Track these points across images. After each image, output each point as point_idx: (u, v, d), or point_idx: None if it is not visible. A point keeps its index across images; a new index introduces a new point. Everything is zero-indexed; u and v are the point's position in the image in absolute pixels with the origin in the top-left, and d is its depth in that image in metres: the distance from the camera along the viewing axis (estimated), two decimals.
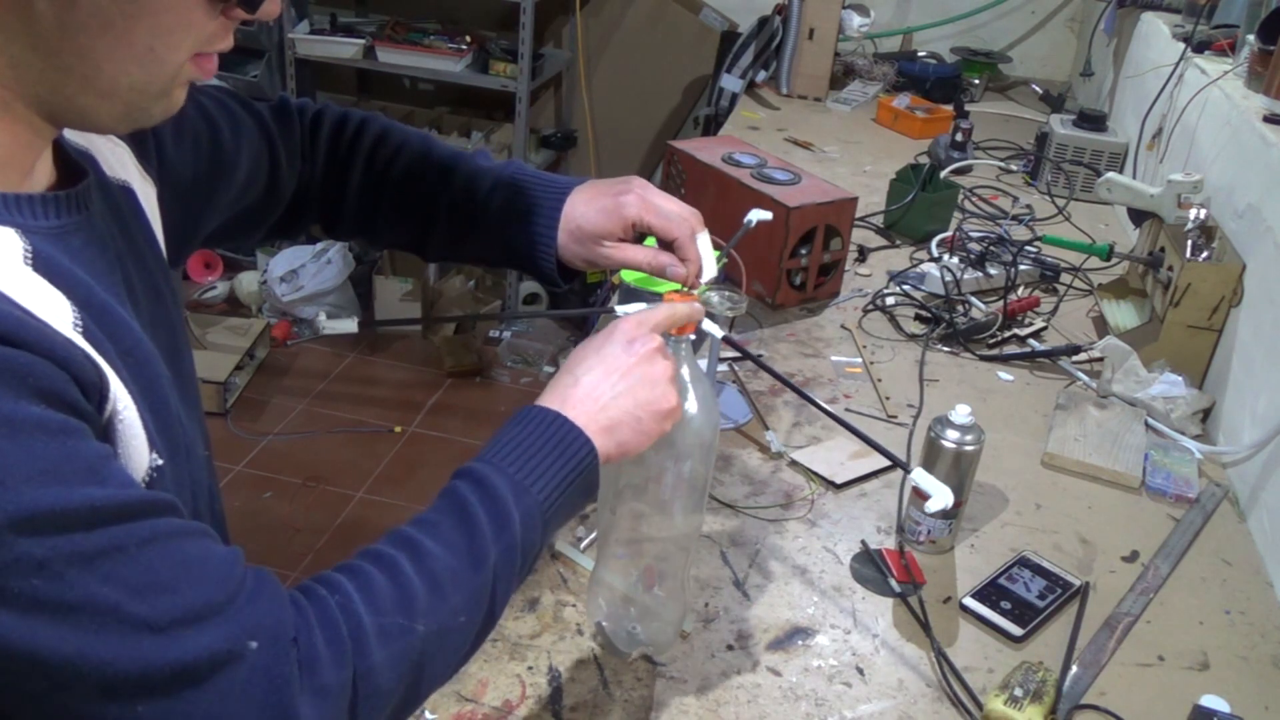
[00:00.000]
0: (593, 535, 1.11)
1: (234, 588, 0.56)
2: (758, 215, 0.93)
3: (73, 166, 0.66)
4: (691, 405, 0.86)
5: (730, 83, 2.94)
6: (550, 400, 0.76)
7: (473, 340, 3.49)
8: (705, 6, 3.50)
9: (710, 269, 0.91)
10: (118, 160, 0.73)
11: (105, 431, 0.57)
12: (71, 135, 0.68)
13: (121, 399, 0.57)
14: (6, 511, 0.48)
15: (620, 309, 0.89)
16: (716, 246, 0.95)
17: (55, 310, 0.55)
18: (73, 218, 0.62)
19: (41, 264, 0.56)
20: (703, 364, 0.89)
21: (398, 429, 3.08)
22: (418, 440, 3.06)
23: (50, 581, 0.49)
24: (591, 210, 0.93)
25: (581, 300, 3.07)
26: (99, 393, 0.55)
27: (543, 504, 0.71)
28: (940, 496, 0.87)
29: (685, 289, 0.90)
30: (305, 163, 0.97)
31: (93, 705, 0.51)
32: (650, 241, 0.95)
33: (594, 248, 0.94)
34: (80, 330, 0.56)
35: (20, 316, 0.52)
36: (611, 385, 0.76)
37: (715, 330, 0.90)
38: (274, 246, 3.53)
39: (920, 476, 0.89)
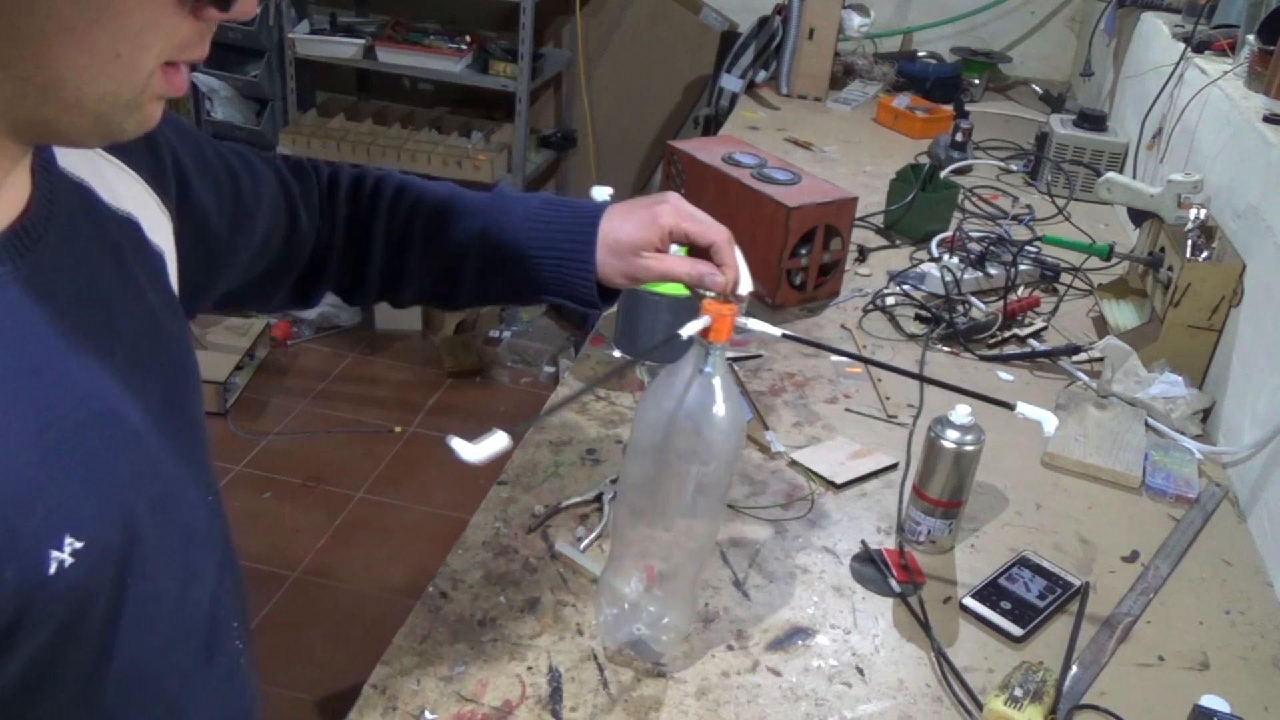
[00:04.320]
0: (593, 535, 1.11)
1: None
2: (600, 192, 0.95)
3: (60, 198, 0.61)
4: (720, 410, 0.86)
5: (730, 83, 2.94)
6: None
7: (473, 340, 3.49)
8: (705, 6, 3.50)
9: (747, 281, 0.92)
10: (127, 190, 0.68)
11: None
12: (68, 166, 0.63)
13: None
14: None
15: (684, 331, 0.87)
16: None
17: None
18: (25, 260, 0.56)
19: None
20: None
21: (398, 429, 3.08)
22: (418, 440, 3.06)
23: None
24: (628, 223, 0.93)
25: None
26: None
27: None
28: (1049, 422, 0.87)
29: (722, 298, 0.90)
30: (324, 221, 0.96)
31: None
32: (682, 252, 0.95)
33: (632, 260, 0.93)
34: None
35: None
36: None
37: (771, 330, 0.91)
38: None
39: (1023, 408, 0.88)
